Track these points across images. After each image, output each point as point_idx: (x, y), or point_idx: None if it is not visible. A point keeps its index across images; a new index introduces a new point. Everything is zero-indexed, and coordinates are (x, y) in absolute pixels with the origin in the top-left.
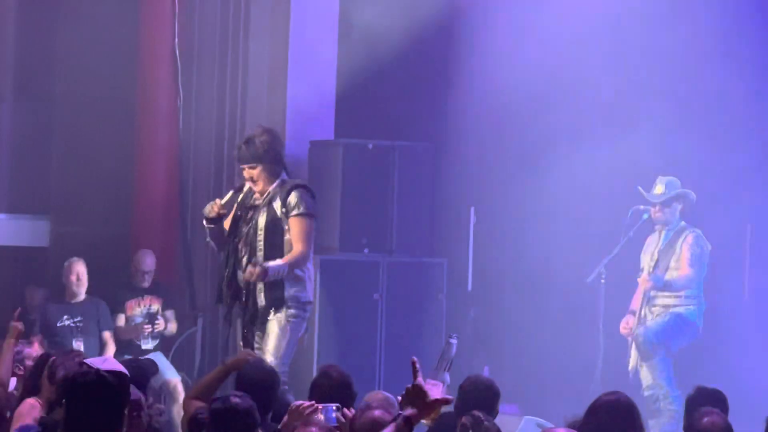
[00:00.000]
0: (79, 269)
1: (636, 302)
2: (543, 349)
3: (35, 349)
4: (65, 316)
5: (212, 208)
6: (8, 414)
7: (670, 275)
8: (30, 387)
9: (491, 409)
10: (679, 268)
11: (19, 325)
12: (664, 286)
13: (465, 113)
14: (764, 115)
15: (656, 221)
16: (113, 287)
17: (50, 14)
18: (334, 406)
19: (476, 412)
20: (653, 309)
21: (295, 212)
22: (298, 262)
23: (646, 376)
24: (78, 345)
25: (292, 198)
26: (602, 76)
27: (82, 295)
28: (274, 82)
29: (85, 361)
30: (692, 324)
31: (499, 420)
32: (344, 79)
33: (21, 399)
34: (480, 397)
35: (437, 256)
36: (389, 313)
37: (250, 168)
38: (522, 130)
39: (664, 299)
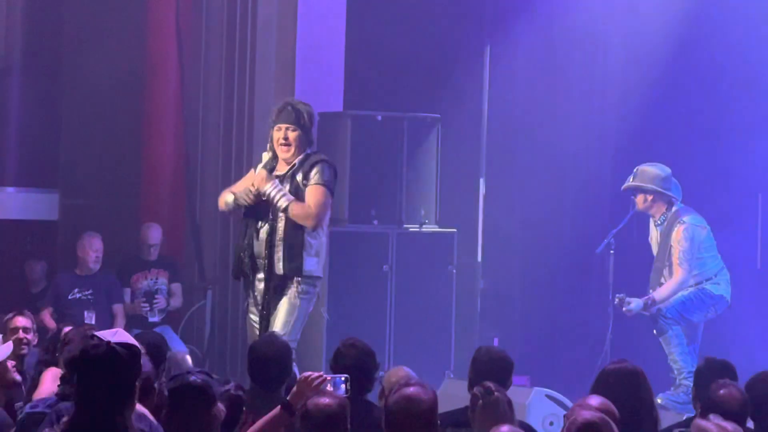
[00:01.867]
0: (98, 245)
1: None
2: (553, 320)
3: (46, 321)
4: (76, 289)
5: (248, 197)
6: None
7: (659, 292)
8: (50, 360)
9: (505, 381)
10: (672, 264)
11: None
12: (660, 302)
13: (474, 84)
14: None
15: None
16: (121, 261)
17: None
18: (343, 377)
19: (487, 383)
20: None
21: (313, 181)
22: (303, 214)
23: (665, 348)
24: (89, 318)
25: (316, 170)
26: (612, 46)
27: (95, 270)
28: (282, 53)
29: (95, 333)
30: (718, 297)
31: (510, 391)
32: (353, 51)
33: (39, 372)
34: (494, 369)
35: (447, 227)
36: (399, 284)
37: (289, 129)
38: (531, 100)
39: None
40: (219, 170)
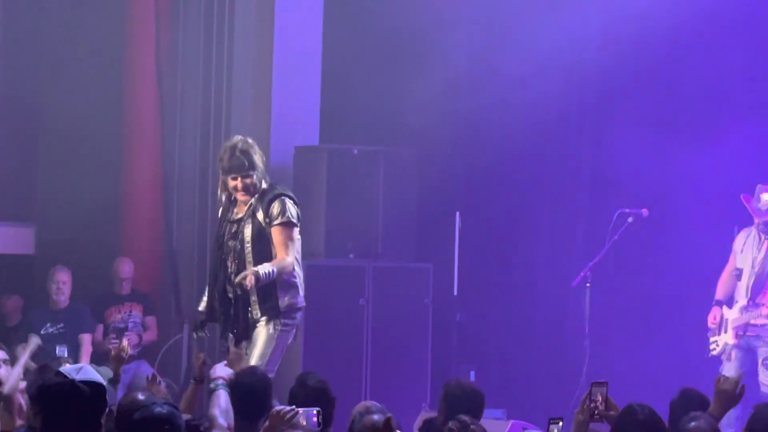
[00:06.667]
0: (61, 277)
1: (729, 311)
2: (529, 353)
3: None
4: (48, 324)
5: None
6: None
7: None
8: None
9: (476, 413)
10: None
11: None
12: None
13: (449, 118)
14: None
15: (758, 229)
16: (95, 296)
17: (35, 22)
18: (315, 410)
19: (463, 417)
20: (762, 344)
21: (276, 221)
22: (284, 269)
23: (731, 370)
24: (62, 352)
25: (275, 207)
26: (588, 77)
27: (64, 303)
28: (258, 88)
29: (60, 370)
30: None
31: (487, 425)
32: (329, 85)
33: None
34: (465, 401)
35: (423, 261)
36: (375, 318)
37: (245, 178)
38: (506, 134)
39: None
40: (196, 205)
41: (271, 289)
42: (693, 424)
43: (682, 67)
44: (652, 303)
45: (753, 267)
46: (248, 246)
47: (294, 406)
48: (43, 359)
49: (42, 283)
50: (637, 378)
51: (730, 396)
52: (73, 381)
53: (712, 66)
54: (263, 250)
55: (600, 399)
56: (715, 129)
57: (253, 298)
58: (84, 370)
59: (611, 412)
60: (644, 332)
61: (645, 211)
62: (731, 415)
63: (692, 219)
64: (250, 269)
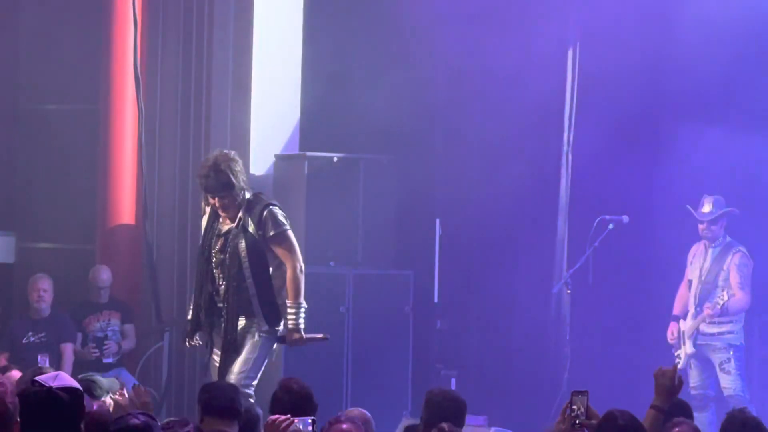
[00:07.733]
0: (42, 285)
1: (684, 323)
2: (510, 360)
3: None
4: (30, 333)
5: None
6: None
7: (724, 299)
8: None
9: (458, 421)
10: (728, 288)
11: None
12: (722, 313)
13: (429, 125)
14: None
15: (703, 237)
16: (73, 305)
17: (13, 31)
18: (310, 418)
19: (443, 425)
20: (713, 352)
21: (272, 233)
22: (299, 278)
23: (694, 377)
24: (43, 361)
25: (267, 221)
26: (566, 84)
27: (45, 311)
28: (238, 96)
29: (36, 378)
30: (743, 346)
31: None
32: (309, 93)
33: None
34: (447, 409)
35: (403, 269)
36: (356, 325)
37: (222, 198)
38: (486, 141)
39: (711, 327)
40: (176, 213)
41: (272, 298)
42: (676, 429)
43: (661, 75)
44: (633, 309)
45: (701, 276)
46: (245, 261)
47: (289, 415)
48: (25, 369)
49: (22, 291)
50: (617, 384)
51: (670, 387)
52: (49, 388)
53: (690, 76)
54: (259, 262)
55: (581, 408)
56: (698, 137)
57: (257, 310)
58: (60, 377)
59: (592, 421)
60: (625, 338)
61: (625, 218)
62: (705, 420)
63: (673, 226)
64: (293, 333)
